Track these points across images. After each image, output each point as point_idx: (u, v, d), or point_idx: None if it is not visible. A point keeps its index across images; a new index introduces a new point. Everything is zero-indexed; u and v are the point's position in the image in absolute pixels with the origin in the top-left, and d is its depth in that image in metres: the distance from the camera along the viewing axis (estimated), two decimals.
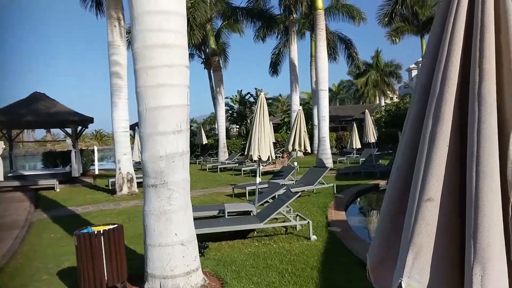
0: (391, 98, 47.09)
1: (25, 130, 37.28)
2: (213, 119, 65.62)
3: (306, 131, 12.10)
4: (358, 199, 10.98)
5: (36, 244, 6.90)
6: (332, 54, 25.81)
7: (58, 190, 14.26)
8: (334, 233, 6.50)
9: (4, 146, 15.98)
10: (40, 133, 64.58)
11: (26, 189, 14.59)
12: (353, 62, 26.01)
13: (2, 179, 15.21)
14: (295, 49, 23.53)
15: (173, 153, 4.16)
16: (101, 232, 4.13)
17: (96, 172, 20.45)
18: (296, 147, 11.77)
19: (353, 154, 21.20)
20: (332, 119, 32.44)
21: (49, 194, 13.37)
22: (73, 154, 16.63)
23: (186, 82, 4.30)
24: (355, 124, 19.83)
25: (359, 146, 18.95)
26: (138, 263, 5.02)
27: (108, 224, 4.48)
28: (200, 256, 5.05)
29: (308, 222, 6.36)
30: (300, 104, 26.75)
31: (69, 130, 17.31)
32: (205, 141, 25.51)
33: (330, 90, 60.52)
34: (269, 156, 7.19)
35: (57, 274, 5.22)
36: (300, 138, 11.76)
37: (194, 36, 19.53)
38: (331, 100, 61.63)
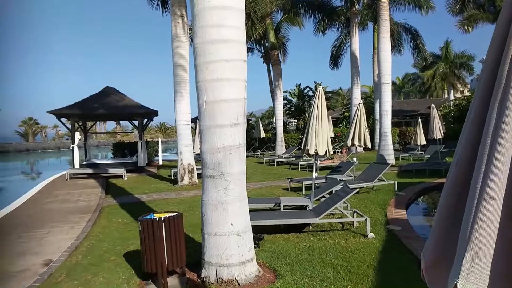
0: (462, 92, 43.86)
1: (98, 122, 40.25)
2: (271, 113, 66.02)
3: (366, 125, 11.72)
4: (421, 198, 10.45)
5: (106, 227, 7.46)
6: (396, 46, 24.64)
7: (125, 178, 15.25)
8: (393, 231, 6.26)
9: (80, 137, 17.44)
10: (111, 125, 69.37)
11: (98, 176, 15.81)
12: (420, 54, 24.61)
13: (78, 167, 16.61)
14: (356, 41, 22.81)
15: (230, 145, 4.26)
16: (162, 219, 4.36)
17: (160, 162, 21.56)
18: (356, 142, 11.45)
19: (417, 150, 20.14)
20: (395, 113, 31.06)
21: (118, 182, 14.35)
22: (139, 145, 17.67)
23: (244, 76, 4.37)
24: (420, 119, 18.80)
25: (424, 142, 17.95)
26: (196, 251, 5.24)
27: (169, 212, 4.72)
28: (255, 247, 5.15)
29: (366, 219, 6.19)
30: (361, 98, 25.96)
31: (136, 123, 18.38)
32: (263, 134, 25.73)
33: (393, 83, 57.91)
34: (326, 151, 7.09)
35: (123, 255, 5.61)
36: (360, 133, 11.43)
37: (254, 31, 19.69)
38: (394, 94, 58.95)
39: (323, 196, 8.15)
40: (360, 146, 11.74)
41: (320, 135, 6.93)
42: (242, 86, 4.33)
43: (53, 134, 61.47)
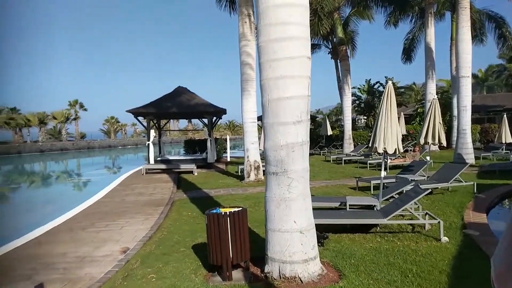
0: None
1: (171, 120, 42.51)
2: (339, 110, 64.62)
3: (441, 122, 10.96)
4: (505, 201, 9.53)
5: (176, 220, 7.88)
6: (477, 36, 22.68)
7: (196, 174, 15.95)
8: (470, 236, 5.80)
9: (155, 134, 18.57)
10: (183, 123, 72.77)
11: (170, 171, 16.73)
12: (506, 43, 22.36)
13: (153, 162, 17.72)
14: (431, 32, 21.38)
15: (293, 142, 4.26)
16: (228, 213, 4.51)
17: (228, 159, 22.21)
18: (430, 140, 10.76)
19: (502, 149, 18.37)
20: (476, 109, 28.63)
21: (189, 177, 15.05)
22: (208, 142, 18.36)
23: (308, 73, 4.33)
24: (505, 115, 17.12)
25: (510, 140, 16.34)
26: (260, 246, 5.32)
27: (234, 207, 4.86)
28: (319, 246, 5.10)
29: (439, 222, 5.81)
30: (437, 93, 24.30)
31: (205, 121, 19.12)
32: (330, 132, 25.23)
33: (474, 76, 53.38)
34: (396, 149, 6.77)
35: (192, 247, 5.89)
36: (434, 130, 10.72)
37: (321, 26, 19.37)
38: (475, 87, 54.25)
39: (392, 196, 7.80)
40: (434, 144, 11.02)
41: (389, 132, 6.63)
42: (306, 83, 4.31)
43: (132, 132, 66.12)
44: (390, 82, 6.80)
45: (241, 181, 13.05)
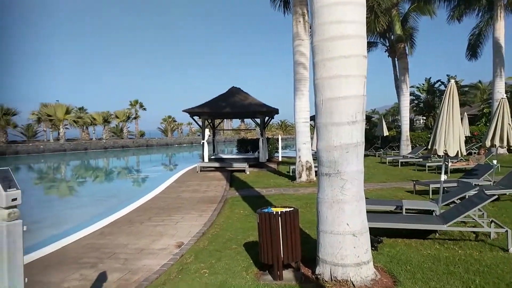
0: None
1: (225, 120, 43.42)
2: (395, 109, 62.09)
3: (511, 123, 10.14)
4: None
5: (229, 217, 8.04)
6: None
7: (248, 172, 16.16)
8: None
9: (209, 133, 19.08)
10: (236, 122, 74.03)
11: (223, 169, 17.09)
12: None
13: (207, 160, 18.22)
14: (501, 26, 19.85)
15: (347, 143, 4.18)
16: (279, 213, 4.52)
17: (280, 159, 22.22)
18: (497, 142, 10.00)
19: None
20: None
21: (241, 176, 15.29)
22: (260, 141, 18.51)
23: (363, 72, 4.23)
24: None
25: None
26: (311, 247, 5.29)
27: (286, 207, 4.86)
28: (372, 250, 4.95)
29: (507, 231, 5.40)
30: (506, 92, 22.54)
31: (258, 120, 19.29)
32: (386, 133, 24.35)
33: None
34: (458, 151, 6.38)
35: (243, 245, 5.98)
36: (502, 132, 9.93)
37: (378, 24, 18.75)
38: None
39: (453, 202, 7.36)
40: (502, 147, 10.22)
41: (451, 133, 6.26)
42: (362, 83, 4.20)
43: (187, 131, 68.52)
44: (452, 81, 6.42)
45: (292, 181, 13.01)
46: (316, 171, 13.43)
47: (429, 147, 6.66)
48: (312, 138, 13.17)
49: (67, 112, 42.30)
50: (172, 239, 6.49)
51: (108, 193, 14.77)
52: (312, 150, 13.51)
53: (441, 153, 6.36)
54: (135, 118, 54.81)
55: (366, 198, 4.59)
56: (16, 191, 2.39)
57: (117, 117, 50.88)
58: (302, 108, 12.60)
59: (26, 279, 2.50)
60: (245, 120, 69.04)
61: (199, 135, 64.00)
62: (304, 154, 12.74)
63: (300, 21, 12.39)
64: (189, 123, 67.45)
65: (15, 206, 2.40)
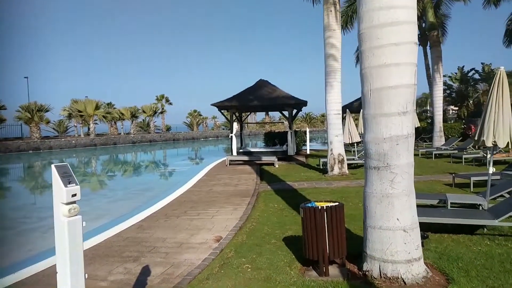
0: None
1: (249, 113, 43.36)
2: (424, 100, 60.45)
3: None
4: None
5: (264, 211, 7.97)
6: None
7: (277, 166, 16.06)
8: None
9: (237, 127, 19.07)
10: (259, 116, 73.91)
11: (252, 163, 17.06)
12: None
13: (236, 154, 18.22)
14: None
15: (397, 135, 4.00)
16: (325, 208, 4.40)
17: (308, 152, 22.00)
18: None
19: None
20: None
21: (270, 169, 15.20)
22: (289, 135, 18.33)
23: (414, 60, 4.02)
24: None
25: None
26: (353, 243, 5.15)
27: (330, 201, 4.73)
28: None
29: None
30: None
31: (286, 113, 19.11)
32: (417, 124, 23.60)
33: None
34: (508, 143, 6.05)
35: (282, 240, 5.89)
36: None
37: None
38: None
39: (502, 196, 7.02)
40: None
41: (501, 123, 5.93)
42: (412, 71, 4.00)
43: (212, 125, 68.89)
44: (502, 68, 6.07)
45: (324, 175, 12.81)
46: (348, 164, 13.19)
47: (476, 138, 6.35)
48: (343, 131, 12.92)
49: (97, 107, 43.31)
50: (210, 233, 6.48)
51: (141, 186, 15.00)
52: (344, 142, 13.27)
53: (489, 144, 6.05)
54: (161, 112, 55.55)
55: None
56: (76, 186, 2.37)
57: (144, 112, 51.69)
58: (333, 100, 12.35)
59: (86, 275, 2.50)
60: (270, 113, 69.07)
61: (223, 129, 64.46)
62: (336, 146, 12.50)
63: (331, 11, 12.09)
64: (213, 117, 67.85)
65: (74, 202, 2.38)
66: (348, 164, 13.65)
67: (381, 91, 4.01)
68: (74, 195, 2.34)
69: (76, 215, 2.38)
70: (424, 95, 68.68)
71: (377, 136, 4.10)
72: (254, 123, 61.49)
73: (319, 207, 4.42)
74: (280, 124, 57.19)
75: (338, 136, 12.52)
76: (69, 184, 2.33)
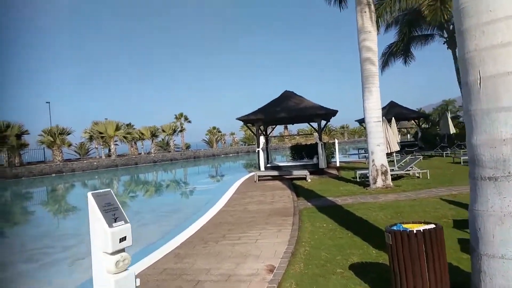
0: None
1: (268, 127, 42.49)
2: (444, 107, 58.80)
3: None
4: None
5: (313, 232, 7.02)
6: None
7: (309, 180, 15.08)
8: None
9: (264, 141, 18.23)
10: (278, 129, 72.74)
11: (282, 178, 16.11)
12: None
13: (264, 169, 17.33)
14: None
15: None
16: (422, 231, 3.46)
17: (337, 164, 20.92)
18: None
19: None
20: None
21: (303, 184, 14.24)
22: (319, 146, 17.37)
23: None
24: None
25: None
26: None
27: (422, 223, 3.79)
28: None
29: None
30: None
31: (315, 125, 18.19)
32: (452, 130, 22.36)
33: None
34: None
35: (349, 268, 4.94)
36: None
37: (445, 11, 17.09)
38: None
39: None
40: None
41: None
42: None
43: (230, 141, 68.27)
44: None
45: (365, 188, 11.77)
46: (391, 175, 12.13)
47: None
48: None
49: (117, 128, 43.27)
50: (259, 262, 5.56)
51: (168, 208, 14.23)
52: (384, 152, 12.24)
53: None
54: (180, 131, 55.30)
55: None
56: (125, 225, 1.53)
57: (163, 131, 51.52)
58: (373, 107, 11.41)
59: None
60: (289, 126, 68.05)
61: (242, 144, 63.72)
62: (379, 157, 11.48)
63: (365, 11, 11.27)
64: (232, 133, 67.28)
65: (123, 250, 1.54)
66: (392, 175, 12.57)
67: (498, 79, 3.09)
68: (123, 239, 1.50)
69: (126, 269, 1.53)
70: (445, 102, 66.73)
71: (492, 137, 3.16)
72: (284, 136, 60.28)
73: (414, 231, 3.48)
74: (311, 136, 56.07)
75: (379, 145, 11.51)
76: (115, 222, 1.49)
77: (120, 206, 1.59)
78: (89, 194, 1.53)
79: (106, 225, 1.45)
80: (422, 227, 3.57)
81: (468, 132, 3.44)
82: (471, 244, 3.50)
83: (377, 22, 18.01)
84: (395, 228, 3.73)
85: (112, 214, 1.49)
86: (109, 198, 1.55)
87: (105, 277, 1.44)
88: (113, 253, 1.47)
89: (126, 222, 1.56)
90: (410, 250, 3.47)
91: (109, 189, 1.63)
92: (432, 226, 3.62)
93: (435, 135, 29.48)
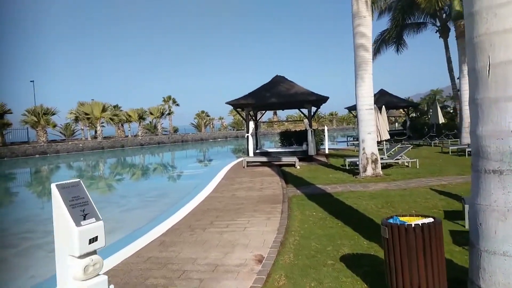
0: None
1: (258, 112, 42.12)
2: (431, 97, 59.22)
3: None
4: None
5: (303, 221, 6.87)
6: None
7: (298, 167, 14.94)
8: None
9: (253, 126, 17.97)
10: (267, 114, 72.25)
11: (271, 164, 15.94)
12: None
13: (253, 155, 17.13)
14: None
15: None
16: (420, 225, 3.29)
17: (326, 151, 20.83)
18: None
19: None
20: None
21: (292, 171, 14.09)
22: (309, 133, 17.20)
23: None
24: None
25: None
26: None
27: (419, 216, 3.63)
28: None
29: None
30: None
31: (304, 111, 17.99)
32: (441, 120, 22.40)
33: None
34: None
35: (340, 260, 4.80)
36: None
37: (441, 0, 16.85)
38: None
39: None
40: None
41: None
42: None
43: (219, 125, 67.73)
44: None
45: (355, 176, 11.68)
46: (382, 164, 12.05)
47: None
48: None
49: (104, 110, 42.40)
50: (247, 251, 5.38)
51: (156, 192, 13.96)
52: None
53: None
54: (168, 114, 54.54)
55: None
56: (97, 223, 1.28)
57: (151, 113, 50.72)
58: (365, 94, 11.22)
59: None
60: (277, 112, 67.66)
61: (230, 129, 63.30)
62: (369, 145, 11.36)
63: None
64: (220, 118, 66.77)
65: (95, 252, 1.29)
66: (382, 164, 12.50)
67: (508, 66, 2.89)
68: (94, 239, 1.25)
69: (97, 275, 1.28)
70: (433, 92, 67.15)
71: (499, 128, 2.98)
72: (273, 121, 59.98)
73: (412, 225, 3.32)
74: (300, 123, 55.93)
75: (371, 133, 11.37)
76: (84, 219, 1.23)
77: (91, 200, 1.33)
78: (53, 186, 1.27)
79: (72, 223, 1.20)
80: (420, 221, 3.41)
81: (473, 121, 3.26)
82: (470, 239, 3.36)
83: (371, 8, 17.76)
84: (391, 221, 3.57)
85: (80, 210, 1.24)
86: (78, 191, 1.29)
87: (72, 284, 1.20)
88: (81, 257, 1.22)
89: (98, 219, 1.31)
90: (407, 245, 3.31)
91: (78, 180, 1.38)
92: (431, 220, 3.46)
93: (424, 124, 29.61)
